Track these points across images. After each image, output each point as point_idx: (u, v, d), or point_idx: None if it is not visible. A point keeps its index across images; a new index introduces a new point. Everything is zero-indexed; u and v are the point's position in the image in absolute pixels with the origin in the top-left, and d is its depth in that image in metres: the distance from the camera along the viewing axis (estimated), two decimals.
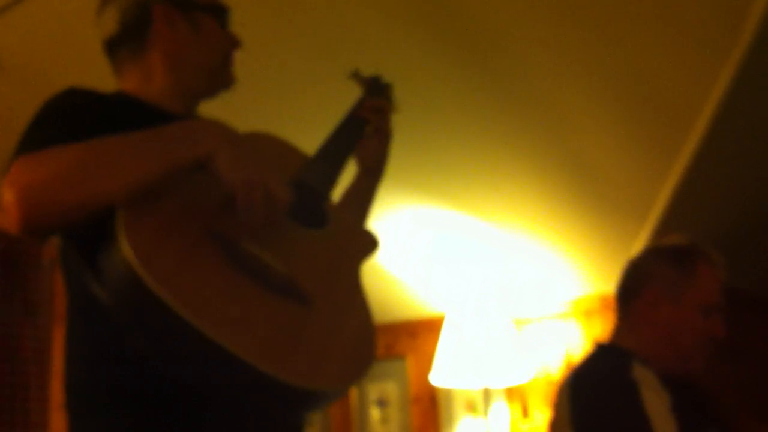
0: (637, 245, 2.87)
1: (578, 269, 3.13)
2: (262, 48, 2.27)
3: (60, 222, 0.99)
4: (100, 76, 1.30)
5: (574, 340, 3.23)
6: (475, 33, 2.22)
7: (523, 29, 2.19)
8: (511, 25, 2.18)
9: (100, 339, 1.08)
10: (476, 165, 2.71)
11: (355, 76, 1.52)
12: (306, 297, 1.04)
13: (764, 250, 2.84)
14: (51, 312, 1.81)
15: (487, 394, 3.09)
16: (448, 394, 3.39)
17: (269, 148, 1.29)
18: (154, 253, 0.93)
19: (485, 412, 3.10)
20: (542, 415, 3.17)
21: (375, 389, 3.55)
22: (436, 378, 3.07)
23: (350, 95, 1.49)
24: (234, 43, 1.33)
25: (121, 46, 1.27)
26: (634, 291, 1.63)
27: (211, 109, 1.34)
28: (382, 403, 3.54)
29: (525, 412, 3.24)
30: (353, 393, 3.55)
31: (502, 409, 3.26)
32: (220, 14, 1.33)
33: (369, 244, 1.26)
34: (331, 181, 1.28)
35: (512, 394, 3.26)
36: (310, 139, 1.35)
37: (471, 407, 3.34)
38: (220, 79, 1.32)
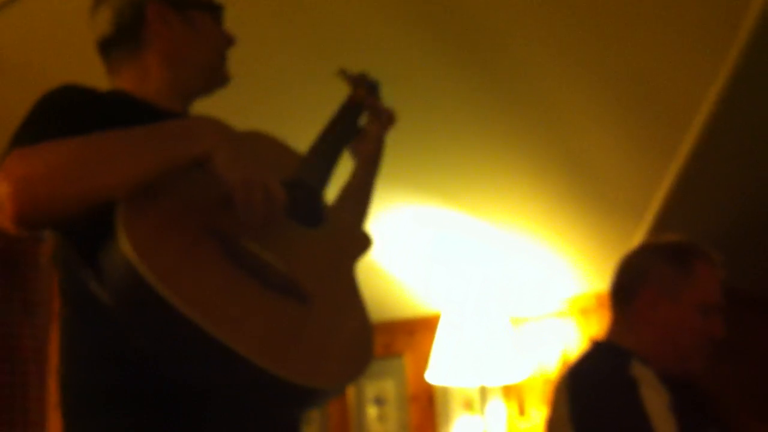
0: (634, 244, 2.87)
1: (575, 268, 3.13)
2: (262, 47, 2.26)
3: (55, 216, 0.97)
4: (99, 75, 1.30)
5: (571, 338, 3.23)
6: (475, 33, 2.22)
7: (523, 29, 2.19)
8: (511, 25, 2.18)
9: (99, 339, 1.08)
10: (475, 164, 2.71)
11: (342, 74, 1.52)
12: (305, 296, 1.04)
13: (764, 250, 2.84)
14: (50, 312, 1.81)
15: (484, 392, 3.09)
16: (445, 392, 3.39)
17: (266, 147, 1.29)
18: (154, 251, 0.93)
19: (482, 410, 3.10)
20: (539, 413, 3.17)
21: (373, 387, 3.55)
22: (433, 376, 3.08)
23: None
24: (229, 40, 1.33)
25: (116, 46, 1.26)
26: (632, 290, 1.63)
27: (210, 107, 1.33)
28: (379, 401, 3.54)
29: (522, 411, 3.24)
30: (351, 391, 3.54)
31: (499, 408, 3.26)
32: (215, 11, 1.33)
33: (363, 243, 1.26)
34: (327, 179, 1.29)
35: (509, 392, 3.26)
36: (309, 139, 1.35)
37: (468, 405, 3.34)
38: (215, 76, 1.32)
